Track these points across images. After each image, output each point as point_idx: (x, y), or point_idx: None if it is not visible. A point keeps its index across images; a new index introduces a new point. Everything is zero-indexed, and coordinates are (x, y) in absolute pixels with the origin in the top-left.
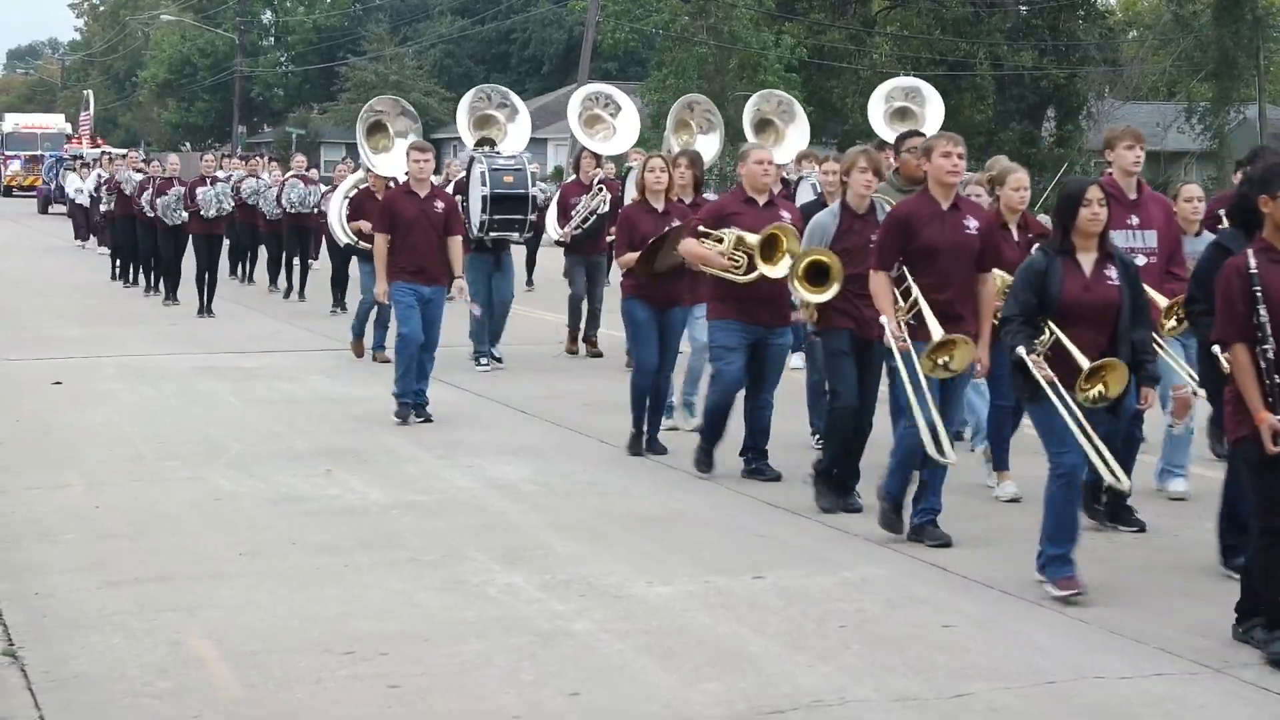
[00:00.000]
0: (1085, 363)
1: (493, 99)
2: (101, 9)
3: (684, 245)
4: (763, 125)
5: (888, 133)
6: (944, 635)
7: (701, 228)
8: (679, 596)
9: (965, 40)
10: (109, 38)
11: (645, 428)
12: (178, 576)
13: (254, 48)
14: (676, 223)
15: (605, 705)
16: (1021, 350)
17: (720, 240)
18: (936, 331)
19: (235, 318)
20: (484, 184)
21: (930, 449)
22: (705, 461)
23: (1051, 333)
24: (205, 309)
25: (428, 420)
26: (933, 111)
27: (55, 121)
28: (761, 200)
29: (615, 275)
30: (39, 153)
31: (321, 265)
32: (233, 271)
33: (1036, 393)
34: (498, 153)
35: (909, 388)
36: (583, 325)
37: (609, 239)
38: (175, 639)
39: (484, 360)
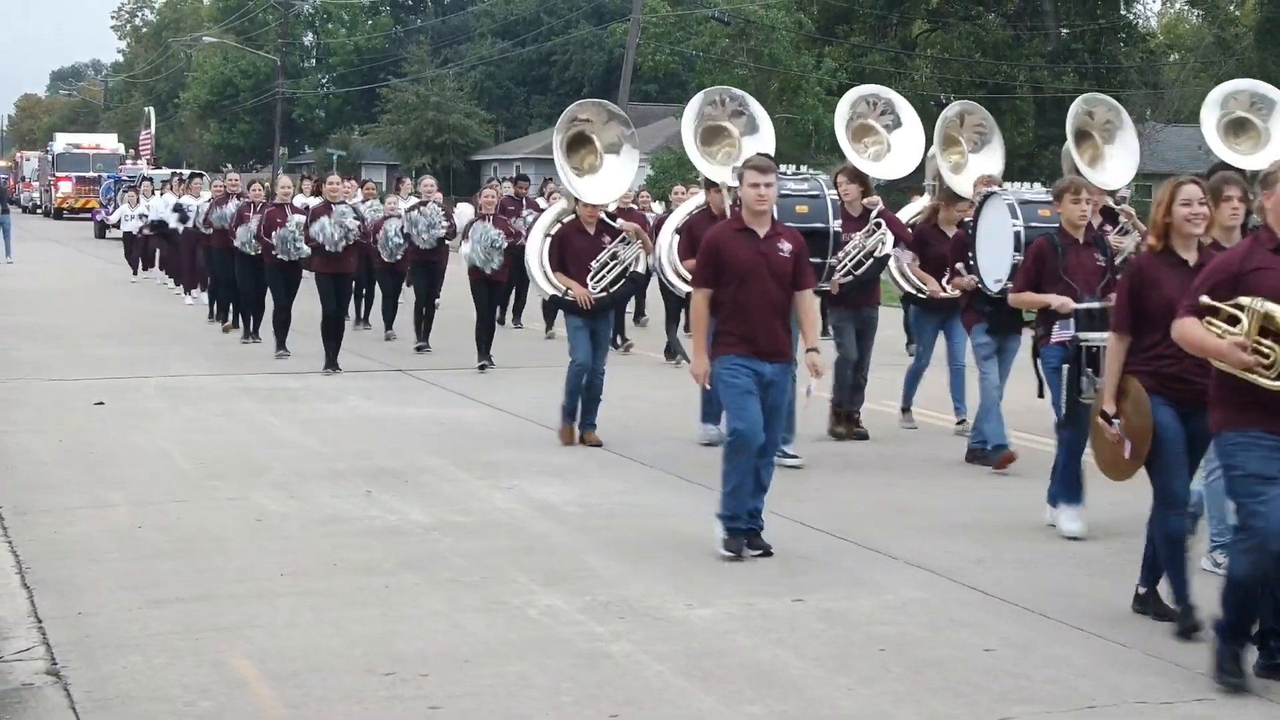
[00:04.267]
0: None
1: (726, 105)
2: (144, 31)
3: (1185, 328)
4: (1083, 136)
5: (1225, 151)
6: (985, 659)
7: (1206, 299)
8: (720, 619)
9: (1005, 63)
10: (151, 59)
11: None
12: (220, 596)
13: (295, 69)
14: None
15: None
16: None
17: (1234, 319)
18: None
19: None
20: None
21: None
22: (1236, 673)
23: None
24: (332, 363)
25: (766, 554)
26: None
27: (108, 142)
28: None
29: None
30: (91, 174)
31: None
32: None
33: None
34: (784, 173)
35: None
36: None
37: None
38: (218, 659)
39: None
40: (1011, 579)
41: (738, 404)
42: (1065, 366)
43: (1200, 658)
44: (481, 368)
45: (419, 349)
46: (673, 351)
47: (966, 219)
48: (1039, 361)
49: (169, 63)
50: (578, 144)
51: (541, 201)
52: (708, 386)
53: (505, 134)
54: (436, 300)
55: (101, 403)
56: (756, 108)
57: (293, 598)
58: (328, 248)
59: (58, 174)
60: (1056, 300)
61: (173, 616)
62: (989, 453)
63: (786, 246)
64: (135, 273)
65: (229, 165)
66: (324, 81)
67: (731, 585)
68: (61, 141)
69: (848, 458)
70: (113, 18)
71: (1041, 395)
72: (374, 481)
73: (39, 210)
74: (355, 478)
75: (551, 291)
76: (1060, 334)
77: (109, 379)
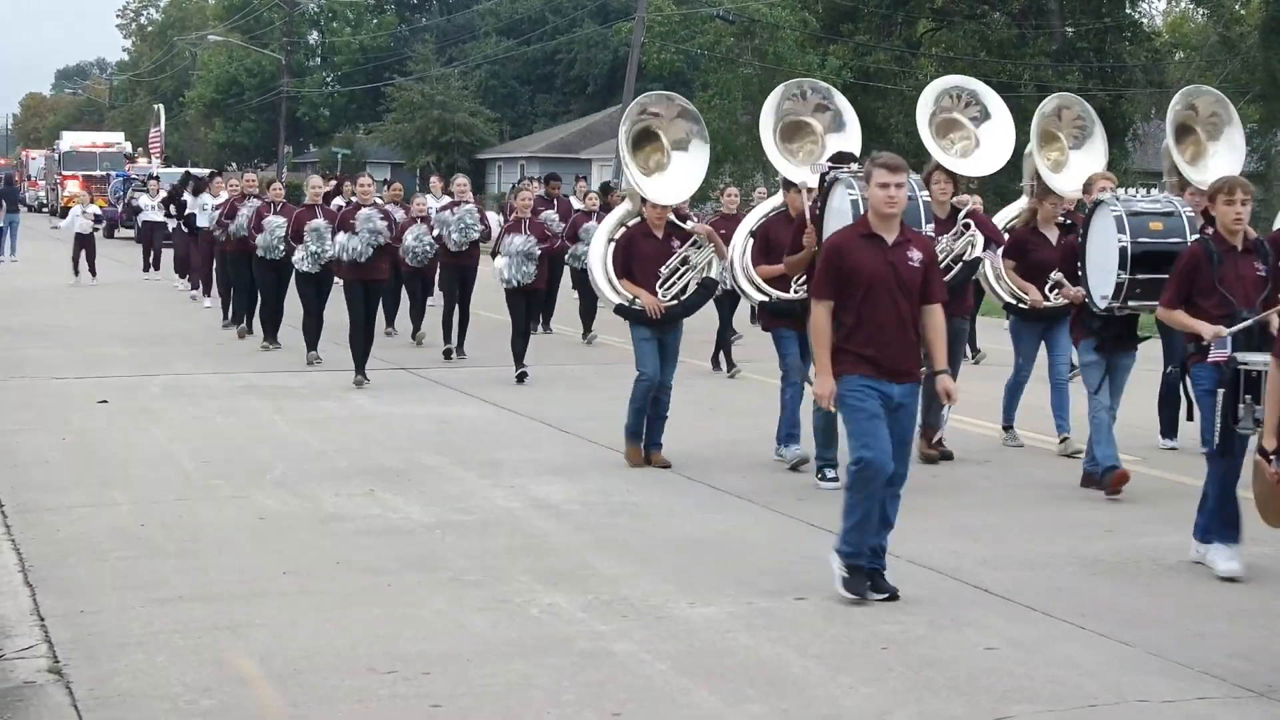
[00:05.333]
0: None
1: (809, 98)
2: (149, 29)
3: None
4: (1184, 131)
5: None
6: (987, 657)
7: None
8: (722, 617)
9: (1010, 62)
10: (156, 58)
11: None
12: (222, 595)
13: (300, 68)
14: None
15: None
16: None
17: None
18: None
19: (281, 337)
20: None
21: None
22: None
23: None
24: (361, 373)
25: (892, 598)
26: None
27: (115, 139)
28: None
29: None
30: (98, 172)
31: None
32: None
33: None
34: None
35: None
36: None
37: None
38: (219, 657)
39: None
40: (1014, 579)
41: (865, 430)
42: (1221, 391)
43: (1203, 656)
44: (520, 378)
45: (447, 354)
46: (718, 362)
47: (1065, 221)
48: (1188, 380)
49: (174, 61)
50: (643, 140)
51: (575, 201)
52: (833, 409)
53: (510, 133)
54: (469, 306)
55: (105, 401)
56: (843, 102)
57: (295, 596)
58: (357, 258)
59: (64, 173)
60: (1208, 332)
61: (175, 615)
62: (1102, 476)
63: (916, 255)
64: (76, 273)
65: (234, 164)
66: (329, 80)
67: (733, 584)
68: (68, 140)
69: None
70: (118, 16)
71: (1191, 418)
72: (376, 480)
73: (44, 209)
74: (358, 476)
75: (617, 300)
76: (1216, 353)
77: (113, 378)
